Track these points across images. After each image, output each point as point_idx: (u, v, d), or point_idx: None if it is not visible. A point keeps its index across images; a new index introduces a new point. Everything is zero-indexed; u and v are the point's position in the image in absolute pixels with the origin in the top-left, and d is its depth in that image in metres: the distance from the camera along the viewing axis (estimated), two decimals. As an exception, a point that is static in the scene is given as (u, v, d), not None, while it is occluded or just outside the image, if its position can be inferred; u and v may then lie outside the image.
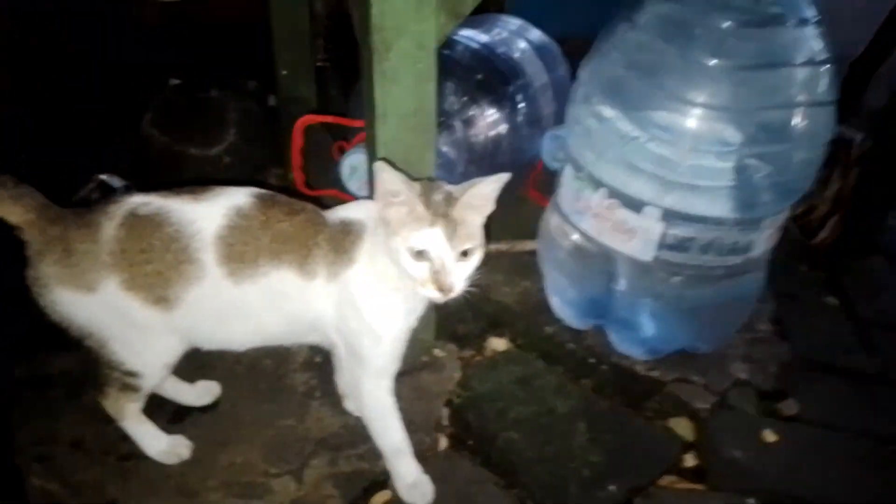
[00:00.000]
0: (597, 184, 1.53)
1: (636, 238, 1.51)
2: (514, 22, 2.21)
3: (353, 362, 1.39)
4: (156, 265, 1.25)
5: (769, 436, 1.59)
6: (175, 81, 2.64)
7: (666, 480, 1.52)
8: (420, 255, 1.17)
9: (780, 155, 1.41)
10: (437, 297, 1.19)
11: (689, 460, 1.57)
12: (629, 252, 1.54)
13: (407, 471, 1.44)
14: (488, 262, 2.04)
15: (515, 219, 2.20)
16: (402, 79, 1.33)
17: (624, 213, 1.50)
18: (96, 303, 1.27)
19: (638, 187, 1.46)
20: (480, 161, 1.93)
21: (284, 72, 2.41)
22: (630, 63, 1.45)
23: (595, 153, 1.53)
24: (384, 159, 1.18)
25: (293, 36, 2.41)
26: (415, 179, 1.22)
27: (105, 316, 1.29)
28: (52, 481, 1.47)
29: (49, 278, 1.26)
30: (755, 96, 1.36)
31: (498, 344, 1.85)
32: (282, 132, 2.47)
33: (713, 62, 1.34)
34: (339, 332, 1.36)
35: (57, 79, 2.31)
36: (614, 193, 1.51)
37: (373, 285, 1.28)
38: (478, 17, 2.11)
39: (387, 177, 1.16)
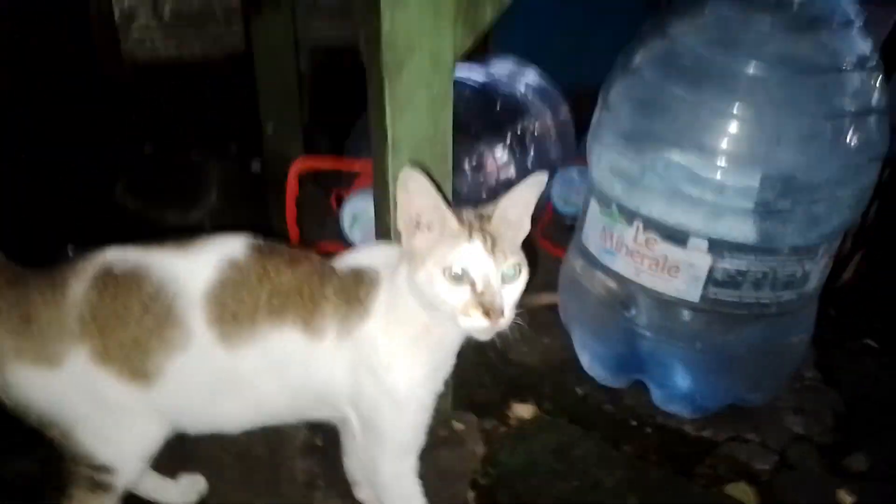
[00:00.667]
0: (630, 217, 1.38)
1: (680, 275, 1.34)
2: (508, 63, 2.12)
3: (370, 439, 1.17)
4: (133, 331, 1.04)
5: (845, 497, 1.39)
6: (149, 148, 2.50)
7: (738, 558, 1.31)
8: (458, 277, 0.98)
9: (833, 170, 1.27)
10: (485, 325, 0.97)
11: (760, 532, 1.37)
12: (673, 293, 1.37)
13: None
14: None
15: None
16: (415, 102, 1.19)
17: (665, 248, 1.34)
18: (61, 381, 1.05)
19: (681, 216, 1.30)
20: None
21: (270, 130, 2.27)
22: (666, 76, 1.33)
23: (627, 182, 1.38)
24: (413, 164, 1.01)
25: (279, 92, 2.29)
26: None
27: (72, 397, 1.07)
28: None
29: (3, 353, 1.04)
30: (805, 104, 1.24)
31: (523, 411, 1.65)
32: (267, 196, 2.32)
33: (754, 71, 1.22)
34: (353, 402, 1.15)
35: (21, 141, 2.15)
36: (652, 226, 1.35)
37: (393, 341, 1.08)
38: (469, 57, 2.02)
39: (417, 186, 0.98)
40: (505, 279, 0.99)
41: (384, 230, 1.34)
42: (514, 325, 1.02)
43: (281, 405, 1.18)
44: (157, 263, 1.07)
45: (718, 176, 1.26)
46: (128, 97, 2.58)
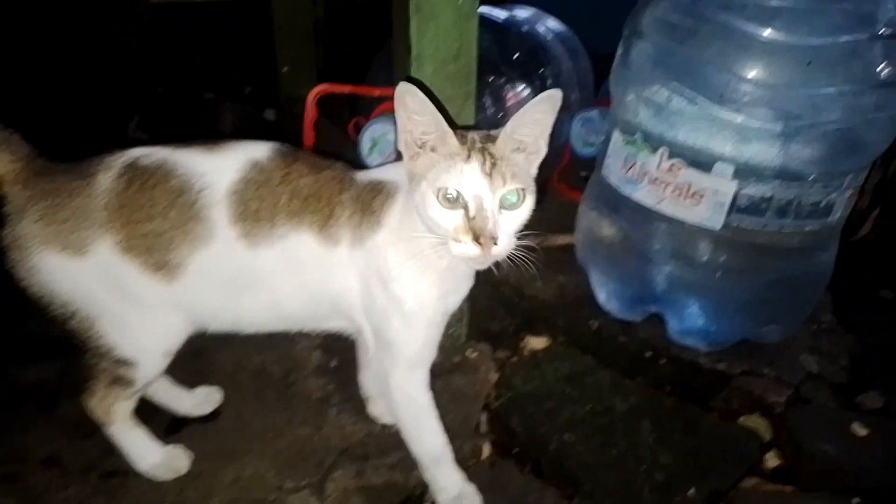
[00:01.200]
0: (655, 144, 1.37)
1: (704, 202, 1.33)
2: (528, 8, 2.10)
3: (382, 350, 1.17)
4: (158, 223, 1.05)
5: (859, 429, 1.39)
6: (160, 90, 2.49)
7: (749, 483, 1.32)
8: (453, 200, 0.94)
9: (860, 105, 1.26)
10: (475, 252, 0.93)
11: (772, 460, 1.37)
12: (695, 220, 1.36)
13: (449, 481, 1.22)
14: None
15: (542, 213, 2.04)
16: (441, 15, 1.18)
17: (689, 174, 1.33)
18: (86, 269, 1.06)
19: (707, 140, 1.29)
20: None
21: (286, 69, 2.26)
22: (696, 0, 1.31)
23: (653, 109, 1.37)
24: (410, 80, 0.96)
25: (295, 33, 2.28)
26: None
27: (96, 286, 1.07)
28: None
29: (31, 238, 1.05)
30: (837, 26, 1.22)
31: (536, 343, 1.65)
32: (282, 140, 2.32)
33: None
34: (366, 312, 1.15)
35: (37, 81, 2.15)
36: (678, 152, 1.34)
37: (401, 256, 1.06)
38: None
39: (414, 101, 0.94)
40: (505, 205, 0.95)
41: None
42: (526, 260, 0.98)
43: (297, 308, 1.18)
44: (184, 160, 1.08)
45: (748, 99, 1.25)
46: (145, 38, 2.57)
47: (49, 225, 1.05)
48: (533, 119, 0.97)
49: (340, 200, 1.09)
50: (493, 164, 0.94)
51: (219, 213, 1.06)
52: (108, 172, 1.06)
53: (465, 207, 0.94)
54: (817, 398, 1.48)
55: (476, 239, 0.93)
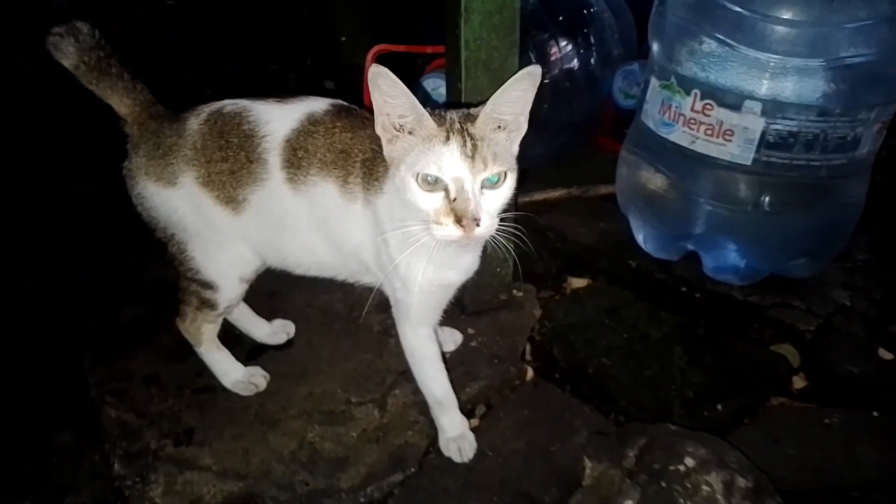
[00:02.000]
0: (689, 86, 1.46)
1: (735, 139, 1.42)
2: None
3: (393, 303, 1.26)
4: (230, 163, 1.20)
5: (885, 354, 1.46)
6: (229, 65, 2.68)
7: (776, 402, 1.41)
8: (433, 182, 0.95)
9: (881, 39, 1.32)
10: (457, 234, 0.94)
11: (799, 382, 1.46)
12: (727, 157, 1.45)
13: (449, 424, 1.31)
14: (560, 206, 2.01)
15: (587, 165, 2.15)
16: (488, -32, 1.29)
17: (721, 113, 1.41)
18: (177, 197, 1.23)
19: (736, 79, 1.37)
20: (554, 99, 1.88)
21: (344, 38, 2.41)
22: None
23: (687, 52, 1.45)
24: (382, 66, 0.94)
25: (352, 5, 2.43)
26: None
27: (185, 213, 1.25)
28: (127, 412, 1.42)
29: (138, 170, 1.24)
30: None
31: (578, 282, 1.76)
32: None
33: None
34: (378, 268, 1.22)
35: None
36: (709, 93, 1.43)
37: (398, 223, 1.08)
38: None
39: (386, 82, 0.93)
40: (485, 185, 0.96)
41: (456, 94, 1.45)
42: (513, 238, 0.98)
43: (329, 257, 1.27)
44: (256, 110, 1.22)
45: (773, 38, 1.33)
46: (211, 15, 2.77)
47: (151, 159, 1.22)
48: (513, 97, 0.97)
49: (362, 160, 1.15)
50: (475, 146, 0.95)
51: (274, 157, 1.18)
52: (198, 117, 1.23)
53: (446, 190, 0.95)
54: (847, 327, 1.55)
55: (458, 221, 0.94)
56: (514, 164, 1.00)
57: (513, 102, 0.98)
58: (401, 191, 0.99)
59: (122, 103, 1.24)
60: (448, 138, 0.95)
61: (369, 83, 0.95)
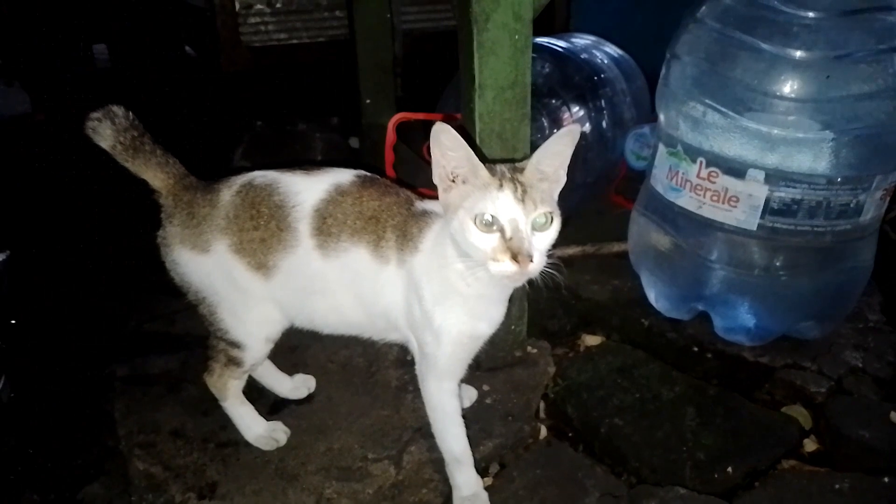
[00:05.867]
0: (694, 154, 1.52)
1: (739, 206, 1.47)
2: (588, 37, 2.28)
3: (420, 358, 1.32)
4: (261, 232, 1.28)
5: (898, 418, 1.47)
6: (259, 123, 2.81)
7: (787, 465, 1.42)
8: (489, 224, 1.05)
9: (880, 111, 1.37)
10: (513, 270, 1.04)
11: (810, 445, 1.47)
12: (733, 222, 1.50)
13: (464, 482, 1.34)
14: (574, 263, 2.06)
15: (601, 222, 2.21)
16: (499, 50, 1.37)
17: (725, 180, 1.47)
18: (209, 264, 1.31)
19: (739, 149, 1.43)
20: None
21: (368, 100, 2.53)
22: (726, 26, 1.46)
23: (691, 123, 1.52)
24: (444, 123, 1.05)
25: (376, 68, 2.55)
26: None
27: (216, 278, 1.33)
28: (154, 465, 1.47)
29: (173, 238, 1.32)
30: (859, 43, 1.34)
31: (591, 340, 1.80)
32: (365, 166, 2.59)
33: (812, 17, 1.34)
34: (409, 325, 1.29)
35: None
36: (714, 161, 1.48)
37: (432, 279, 1.19)
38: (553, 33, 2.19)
39: (446, 139, 1.04)
40: (535, 227, 1.06)
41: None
42: (547, 278, 1.08)
43: (357, 317, 1.35)
44: (285, 181, 1.31)
45: (774, 111, 1.39)
46: (245, 78, 2.93)
47: (185, 228, 1.31)
48: (554, 151, 1.08)
49: (393, 224, 1.24)
50: (524, 191, 1.05)
51: (304, 225, 1.26)
52: (230, 189, 1.32)
53: (502, 230, 1.05)
54: (859, 389, 1.57)
55: (514, 258, 1.04)
56: (557, 210, 1.10)
57: (554, 156, 1.09)
58: (458, 233, 1.08)
59: (156, 177, 1.33)
60: (501, 185, 1.05)
61: (431, 139, 1.06)
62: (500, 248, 1.05)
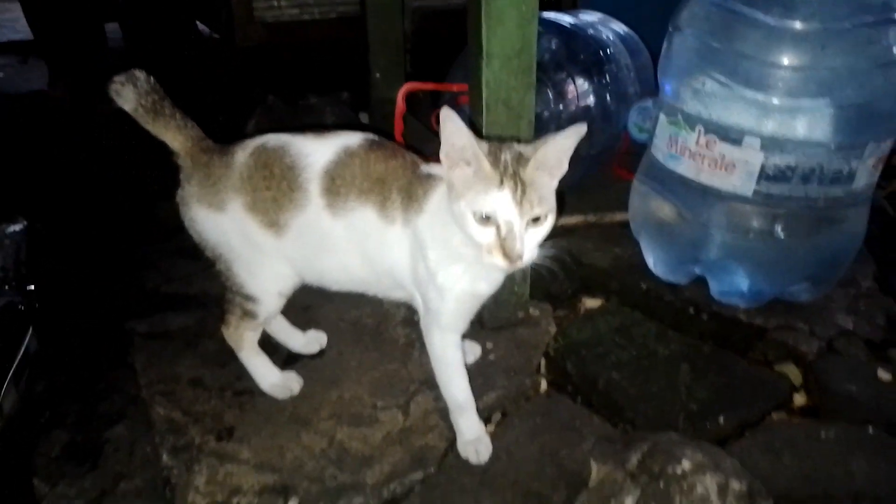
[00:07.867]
0: (693, 123, 1.58)
1: (736, 172, 1.53)
2: (595, 14, 2.34)
3: (425, 313, 1.39)
4: (273, 191, 1.35)
5: (884, 375, 1.53)
6: (272, 97, 2.87)
7: (776, 417, 1.49)
8: (486, 219, 1.11)
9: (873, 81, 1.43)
10: (503, 265, 1.12)
11: (799, 400, 1.54)
12: (729, 188, 1.56)
13: (467, 427, 1.42)
14: (577, 232, 2.13)
15: (603, 193, 2.27)
16: (506, 19, 1.43)
17: (723, 147, 1.53)
18: (225, 222, 1.38)
19: (736, 117, 1.49)
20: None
21: (378, 75, 2.59)
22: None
23: (691, 92, 1.58)
24: (450, 107, 1.10)
25: (386, 43, 2.61)
26: (485, 140, 1.16)
27: (232, 235, 1.40)
28: (174, 411, 1.56)
29: (191, 197, 1.39)
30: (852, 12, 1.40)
31: (592, 303, 1.87)
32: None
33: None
34: (414, 282, 1.36)
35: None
36: (712, 129, 1.55)
37: (436, 240, 1.25)
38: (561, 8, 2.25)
39: (452, 127, 1.09)
40: (530, 224, 1.12)
41: (476, 132, 1.59)
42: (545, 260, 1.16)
43: (364, 275, 1.42)
44: (297, 144, 1.37)
45: (770, 80, 1.45)
46: (258, 53, 2.99)
47: (202, 188, 1.38)
48: (560, 147, 1.13)
49: (399, 186, 1.30)
50: (524, 192, 1.09)
51: (314, 186, 1.32)
52: (245, 151, 1.38)
53: (497, 227, 1.11)
54: (848, 350, 1.63)
55: (506, 255, 1.11)
56: (554, 206, 1.16)
57: (559, 151, 1.14)
58: (458, 220, 1.14)
59: (175, 139, 1.39)
60: (502, 182, 1.09)
61: (441, 123, 1.10)
62: (493, 244, 1.12)
